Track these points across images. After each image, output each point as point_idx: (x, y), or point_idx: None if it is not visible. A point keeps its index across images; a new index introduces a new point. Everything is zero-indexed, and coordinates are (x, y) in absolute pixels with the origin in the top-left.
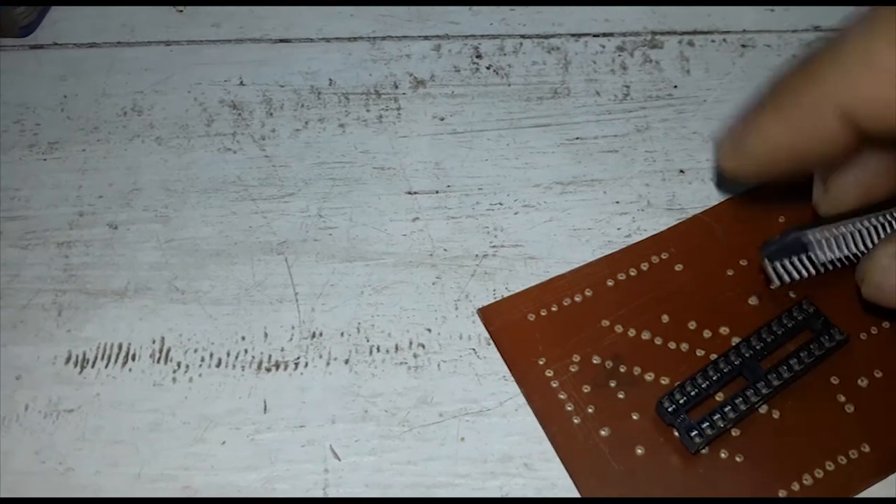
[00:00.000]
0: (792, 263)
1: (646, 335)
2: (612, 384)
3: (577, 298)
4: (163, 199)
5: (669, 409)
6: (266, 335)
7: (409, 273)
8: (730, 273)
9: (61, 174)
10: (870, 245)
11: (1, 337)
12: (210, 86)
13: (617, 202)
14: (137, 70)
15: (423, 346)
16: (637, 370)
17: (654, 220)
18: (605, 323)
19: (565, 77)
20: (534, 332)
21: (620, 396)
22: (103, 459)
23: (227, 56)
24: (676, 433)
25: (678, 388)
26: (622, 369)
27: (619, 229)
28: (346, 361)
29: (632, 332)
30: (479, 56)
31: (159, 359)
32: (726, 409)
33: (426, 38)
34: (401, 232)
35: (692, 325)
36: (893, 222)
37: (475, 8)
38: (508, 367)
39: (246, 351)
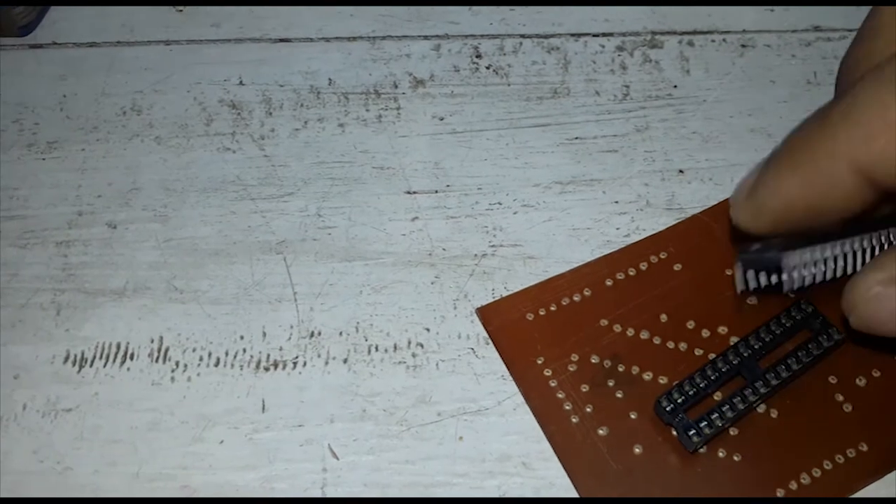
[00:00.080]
0: (764, 277)
1: (644, 335)
2: (611, 383)
3: (576, 298)
4: (162, 199)
5: (668, 409)
6: (265, 334)
7: (408, 272)
8: (728, 273)
9: (60, 173)
10: (850, 270)
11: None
12: (209, 85)
13: (616, 202)
14: (137, 70)
15: (422, 346)
16: (635, 369)
17: (653, 220)
18: (604, 322)
19: (565, 77)
20: (532, 332)
21: (619, 396)
22: (102, 459)
23: (226, 56)
24: (675, 432)
25: (676, 387)
26: (620, 368)
27: (618, 229)
28: (345, 361)
29: (630, 332)
30: (478, 56)
31: (158, 358)
32: (724, 409)
33: (426, 37)
34: (400, 231)
35: (691, 324)
36: (877, 247)
37: (475, 8)
38: (507, 366)
39: (244, 350)
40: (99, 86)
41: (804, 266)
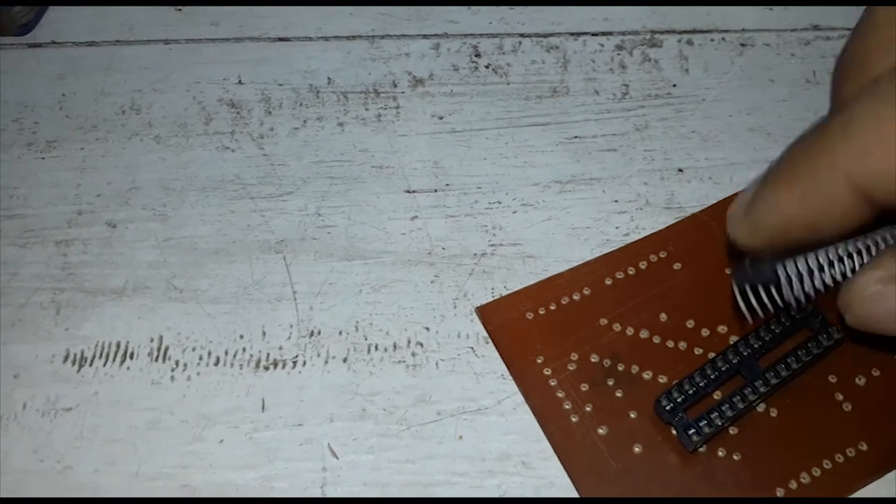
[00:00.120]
0: (762, 294)
1: (644, 334)
2: (610, 383)
3: (576, 297)
4: (161, 198)
5: (667, 408)
6: (264, 334)
7: (408, 272)
8: (728, 271)
9: (60, 173)
10: (849, 274)
11: None
12: (209, 84)
13: (615, 201)
14: (136, 69)
15: (422, 345)
16: (635, 369)
17: (653, 219)
18: (604, 321)
19: (564, 76)
20: (532, 331)
21: (618, 395)
22: (101, 458)
23: (225, 55)
24: (674, 431)
25: (676, 386)
26: (620, 368)
27: (617, 228)
28: (345, 360)
29: (630, 331)
30: (477, 55)
31: (157, 357)
32: (724, 408)
33: (425, 36)
34: (399, 230)
35: (690, 323)
36: (873, 247)
37: (474, 7)
38: (507, 365)
39: (244, 349)
40: (98, 85)
41: (802, 275)
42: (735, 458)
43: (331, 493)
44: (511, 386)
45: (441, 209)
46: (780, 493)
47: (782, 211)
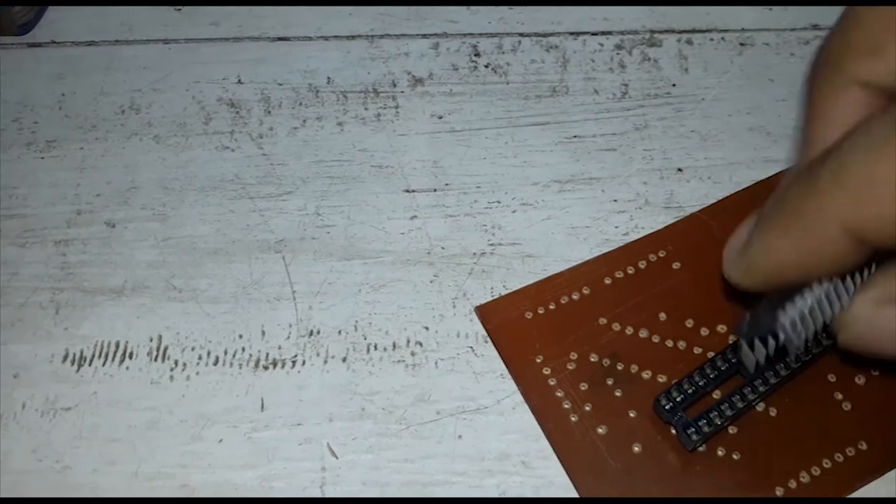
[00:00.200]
0: (769, 343)
1: (643, 333)
2: (610, 382)
3: (575, 296)
4: (160, 198)
5: (666, 407)
6: (263, 333)
7: (407, 271)
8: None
9: (59, 172)
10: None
11: None
12: (208, 84)
13: (615, 200)
14: (136, 68)
15: (421, 344)
16: (634, 368)
17: (652, 219)
18: (603, 321)
19: (564, 75)
20: (531, 330)
21: (618, 394)
22: (100, 458)
23: (225, 54)
24: (673, 431)
25: (675, 385)
26: (619, 367)
27: (616, 227)
28: (344, 359)
29: (629, 330)
30: (477, 54)
31: (157, 357)
32: (723, 407)
33: (424, 36)
34: (399, 230)
35: (689, 322)
36: (866, 271)
37: (473, 6)
38: (506, 364)
39: (243, 349)
40: (98, 85)
41: (801, 319)
42: (734, 457)
43: (330, 493)
44: (510, 385)
45: (440, 209)
46: (779, 492)
47: (776, 254)
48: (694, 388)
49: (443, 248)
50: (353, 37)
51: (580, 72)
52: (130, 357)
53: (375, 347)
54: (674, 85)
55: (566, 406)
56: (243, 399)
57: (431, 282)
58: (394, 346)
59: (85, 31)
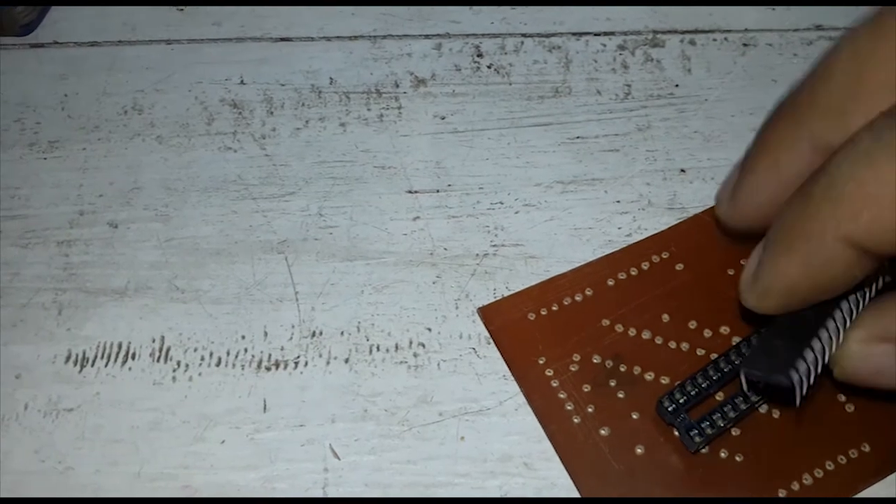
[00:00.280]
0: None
1: (646, 334)
2: (612, 383)
3: (578, 298)
4: (163, 198)
5: (669, 409)
6: (266, 334)
7: (410, 272)
8: (730, 272)
9: (62, 173)
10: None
11: (1, 336)
12: (211, 84)
13: (618, 201)
14: (138, 69)
15: (423, 346)
16: (637, 369)
17: (655, 220)
18: (606, 322)
19: (566, 76)
20: (534, 332)
21: (620, 396)
22: (103, 458)
23: (227, 55)
24: (676, 433)
25: (678, 387)
26: (622, 368)
27: (619, 228)
28: (346, 360)
29: (632, 332)
30: (480, 55)
31: (159, 358)
32: (726, 409)
33: (427, 36)
34: (401, 231)
35: (693, 324)
36: (855, 309)
37: (476, 7)
38: (508, 366)
39: (246, 350)
40: (100, 85)
41: (808, 373)
42: (737, 459)
43: (332, 494)
44: (513, 387)
45: (443, 209)
46: (782, 494)
47: (786, 276)
48: (697, 389)
49: (445, 249)
50: (355, 37)
51: (583, 72)
52: (133, 358)
53: (378, 349)
54: (677, 85)
55: (569, 407)
56: (246, 400)
57: (434, 283)
58: (396, 347)
59: (87, 32)
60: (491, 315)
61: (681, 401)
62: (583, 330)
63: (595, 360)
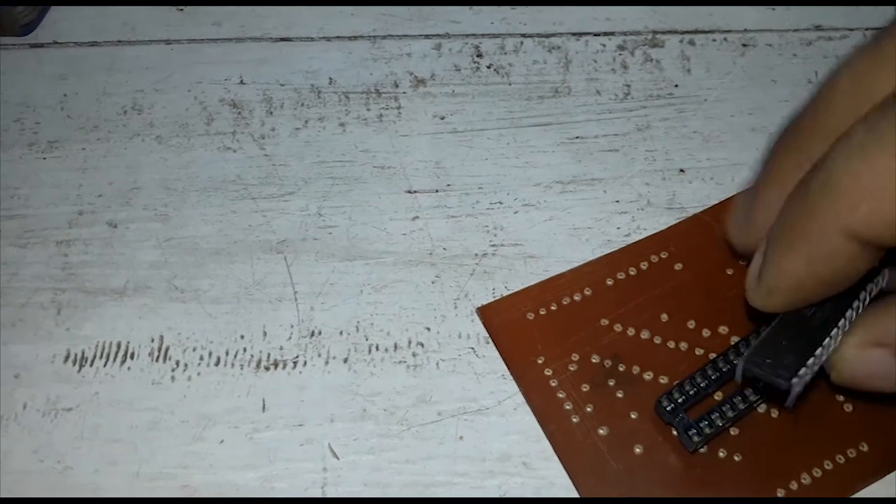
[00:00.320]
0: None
1: (645, 334)
2: (611, 383)
3: (577, 297)
4: (162, 198)
5: (668, 408)
6: (265, 334)
7: (409, 272)
8: (729, 272)
9: (61, 173)
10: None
11: (0, 335)
12: (210, 85)
13: (617, 201)
14: (138, 69)
15: (422, 345)
16: (636, 369)
17: (654, 220)
18: (605, 322)
19: (566, 76)
20: (533, 331)
21: (619, 395)
22: (102, 458)
23: (227, 55)
24: (675, 432)
25: (677, 387)
26: (621, 368)
27: (618, 228)
28: (345, 360)
29: (631, 332)
30: (479, 55)
31: (158, 357)
32: (725, 408)
33: (427, 37)
34: (400, 231)
35: (691, 324)
36: (858, 310)
37: (476, 7)
38: (507, 365)
39: (245, 350)
40: (100, 85)
41: (806, 377)
42: (736, 458)
43: (331, 494)
44: (512, 386)
45: (442, 209)
46: (780, 493)
47: (790, 274)
48: (695, 389)
49: (444, 248)
50: (355, 37)
51: (582, 72)
52: (132, 357)
53: (377, 348)
54: (676, 86)
55: (567, 407)
56: (245, 400)
57: (433, 282)
58: (395, 346)
59: (87, 32)
60: (490, 315)
61: (679, 400)
62: (582, 329)
63: (594, 360)
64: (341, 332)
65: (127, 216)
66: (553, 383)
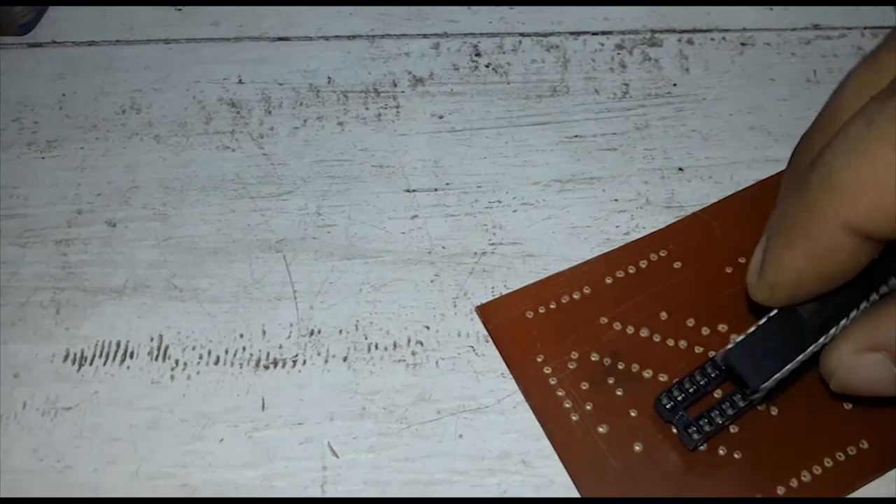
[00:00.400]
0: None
1: (644, 332)
2: (611, 381)
3: (576, 296)
4: (161, 197)
5: (668, 406)
6: (264, 333)
7: (408, 271)
8: (728, 270)
9: (60, 172)
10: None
11: None
12: (209, 84)
13: (616, 200)
14: (136, 68)
15: (422, 344)
16: (635, 367)
17: (653, 218)
18: (604, 320)
19: (564, 75)
20: (532, 330)
21: (619, 393)
22: (101, 457)
23: (225, 54)
24: (674, 430)
25: (676, 384)
26: (620, 366)
27: (617, 227)
28: (345, 359)
29: (630, 330)
30: (478, 54)
31: (157, 356)
32: (724, 406)
33: (425, 36)
34: (399, 230)
35: (690, 322)
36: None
37: (474, 6)
38: (507, 364)
39: (244, 348)
40: (98, 84)
41: (780, 381)
42: (736, 456)
43: (331, 492)
44: (511, 384)
45: (441, 208)
46: (780, 491)
47: (791, 269)
48: (695, 387)
49: (443, 247)
50: (353, 37)
51: (581, 71)
52: (131, 356)
53: (376, 347)
54: (674, 84)
55: (567, 405)
56: (244, 398)
57: (432, 281)
58: (394, 345)
59: (85, 31)
60: (489, 313)
61: (679, 398)
62: (581, 328)
63: (593, 358)
64: (340, 331)
65: (126, 215)
66: (552, 381)
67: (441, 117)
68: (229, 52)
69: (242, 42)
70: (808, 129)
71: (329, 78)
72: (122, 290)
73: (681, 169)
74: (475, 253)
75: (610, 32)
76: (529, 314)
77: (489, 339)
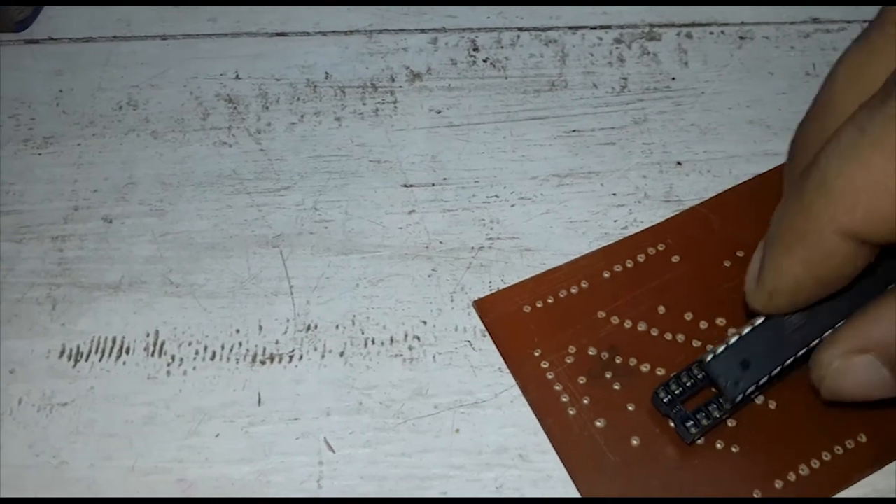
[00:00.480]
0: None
1: (642, 326)
2: (608, 375)
3: (573, 290)
4: (158, 193)
5: (665, 400)
6: (261, 328)
7: (405, 265)
8: (726, 264)
9: (56, 168)
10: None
11: None
12: (206, 80)
13: (614, 194)
14: (133, 64)
15: (419, 339)
16: (633, 361)
17: (651, 212)
18: (601, 314)
19: (563, 70)
20: (529, 324)
21: (616, 388)
22: (97, 453)
23: (222, 50)
24: (672, 424)
25: (674, 378)
26: (618, 360)
27: (615, 221)
28: (341, 354)
29: (628, 324)
30: (476, 49)
31: (153, 352)
32: (722, 400)
33: (423, 31)
34: (397, 225)
35: (688, 316)
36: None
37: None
38: (504, 358)
39: (240, 344)
40: (95, 81)
41: (751, 390)
42: (733, 450)
43: (327, 487)
44: (508, 379)
45: (438, 203)
46: (778, 485)
47: (789, 275)
48: (693, 381)
49: (441, 242)
50: (350, 32)
51: (579, 66)
52: (127, 352)
53: (373, 342)
54: (673, 78)
55: (564, 399)
56: (240, 394)
57: (429, 276)
58: (391, 340)
59: (82, 28)
60: (486, 308)
61: (676, 392)
62: (578, 322)
63: (591, 353)
64: (337, 326)
65: (122, 211)
66: (550, 376)
67: (439, 112)
68: (226, 48)
69: (239, 38)
70: (804, 117)
71: (326, 73)
72: (119, 285)
73: (679, 163)
74: (472, 248)
75: (608, 27)
76: (527, 309)
77: (486, 333)
